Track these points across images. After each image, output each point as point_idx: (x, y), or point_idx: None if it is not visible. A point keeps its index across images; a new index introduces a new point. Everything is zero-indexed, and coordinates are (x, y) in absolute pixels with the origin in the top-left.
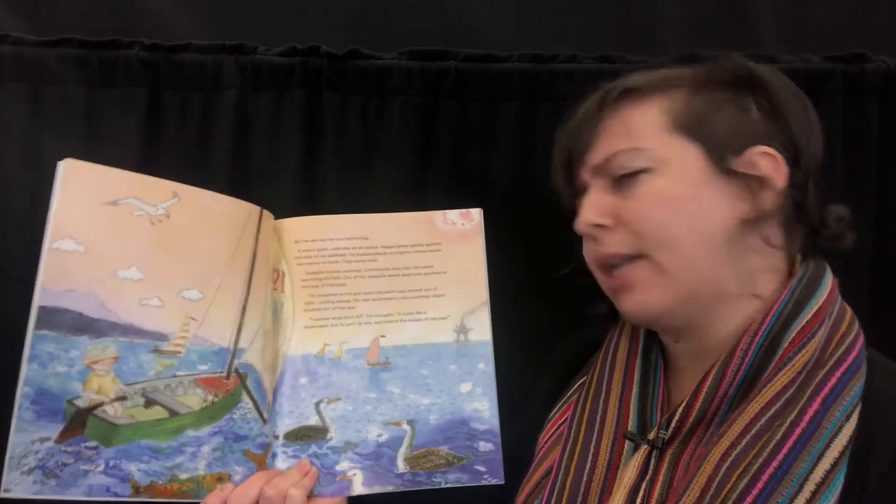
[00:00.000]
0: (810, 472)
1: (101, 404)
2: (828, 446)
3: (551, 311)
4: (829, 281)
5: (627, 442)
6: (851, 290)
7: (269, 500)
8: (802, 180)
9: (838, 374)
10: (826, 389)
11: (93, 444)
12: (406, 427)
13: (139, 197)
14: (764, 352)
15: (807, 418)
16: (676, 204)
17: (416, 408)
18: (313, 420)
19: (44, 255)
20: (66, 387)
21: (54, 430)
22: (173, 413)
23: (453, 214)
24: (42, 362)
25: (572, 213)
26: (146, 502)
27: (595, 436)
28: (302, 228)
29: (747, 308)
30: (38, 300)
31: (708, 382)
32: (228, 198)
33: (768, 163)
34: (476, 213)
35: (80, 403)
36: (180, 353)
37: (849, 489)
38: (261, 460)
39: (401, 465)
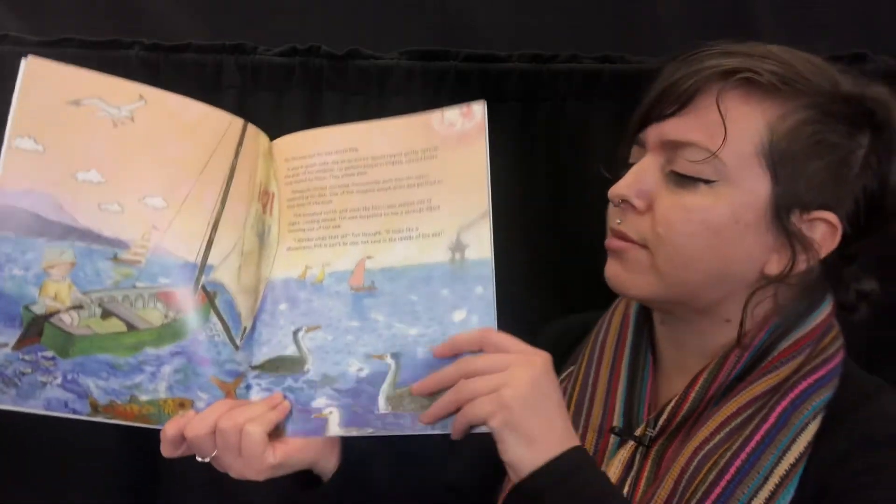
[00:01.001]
0: (775, 465)
1: (57, 312)
2: (794, 441)
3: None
4: (828, 306)
5: (612, 437)
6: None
7: (223, 434)
8: (853, 253)
9: (811, 379)
10: (796, 391)
11: (50, 353)
12: (390, 361)
13: (103, 97)
14: (754, 360)
15: (774, 415)
16: (716, 233)
17: (402, 339)
18: (290, 350)
19: (3, 154)
20: (22, 291)
21: (11, 335)
22: (131, 327)
23: (452, 113)
24: None
25: (619, 161)
26: (105, 423)
27: (580, 430)
28: (292, 146)
29: (724, 327)
30: None
31: (699, 384)
32: (204, 105)
33: (826, 230)
34: (479, 109)
35: (37, 310)
36: (140, 262)
37: (805, 479)
38: (230, 389)
39: (382, 405)
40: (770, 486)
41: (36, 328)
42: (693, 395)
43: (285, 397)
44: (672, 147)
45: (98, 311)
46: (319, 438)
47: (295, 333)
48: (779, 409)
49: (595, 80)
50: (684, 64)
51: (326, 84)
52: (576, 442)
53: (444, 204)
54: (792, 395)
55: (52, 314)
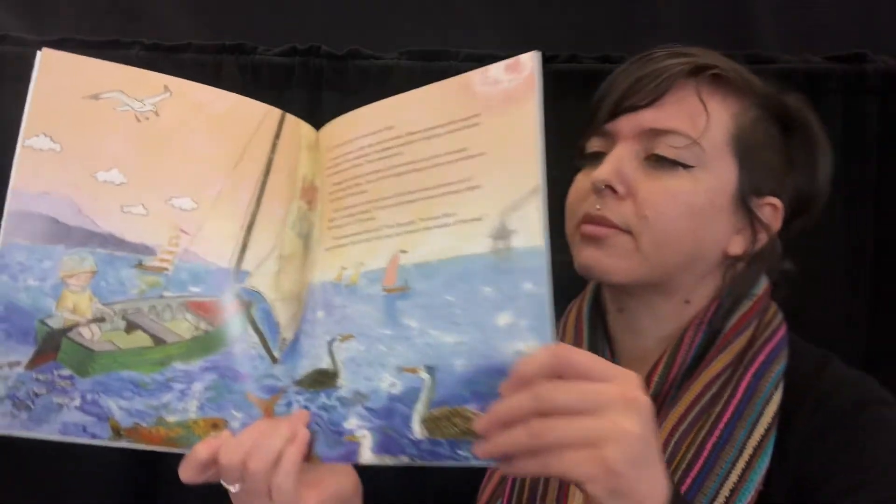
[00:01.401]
0: (748, 437)
1: (76, 325)
2: (762, 413)
3: None
4: (764, 281)
5: None
6: (852, 290)
7: (258, 456)
8: (787, 236)
9: (766, 351)
10: (756, 364)
11: (67, 372)
12: (424, 375)
13: (124, 90)
14: (709, 338)
15: (742, 389)
16: (695, 213)
17: (437, 349)
18: (325, 362)
19: (17, 155)
20: (38, 303)
21: (25, 353)
22: (158, 340)
23: (497, 69)
24: (12, 274)
25: (579, 150)
26: (129, 448)
27: None
28: (334, 133)
29: (683, 309)
30: (9, 204)
31: (660, 368)
32: (235, 96)
33: (771, 213)
34: (529, 60)
35: (54, 323)
36: (167, 269)
37: (775, 449)
38: (268, 406)
39: (416, 429)
40: (745, 457)
41: (52, 344)
42: (656, 379)
43: (317, 416)
44: (652, 135)
45: (121, 323)
46: (353, 476)
47: (329, 344)
48: (744, 383)
49: (595, 80)
50: (646, 63)
51: (326, 84)
52: (671, 486)
53: (487, 182)
54: (753, 369)
55: (70, 328)
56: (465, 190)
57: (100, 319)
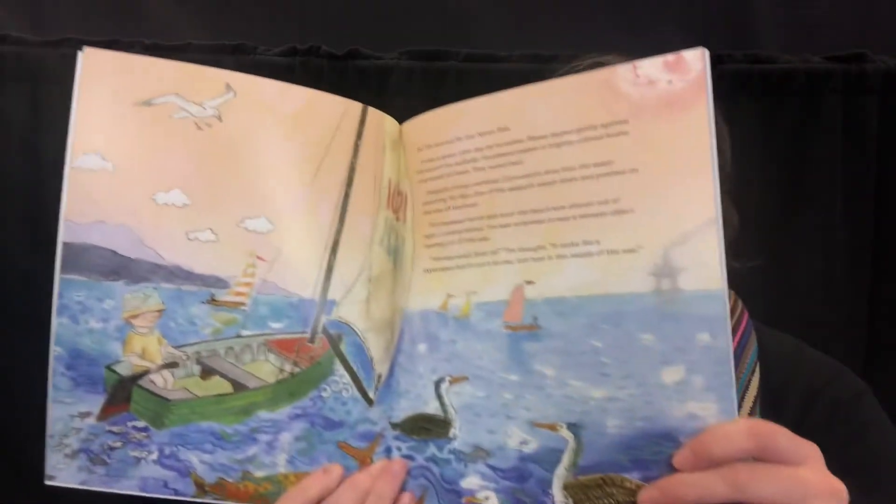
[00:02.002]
0: None
1: (146, 372)
2: (742, 399)
3: None
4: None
5: None
6: (852, 289)
7: None
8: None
9: (737, 338)
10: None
11: (142, 423)
12: (566, 434)
13: (180, 93)
14: None
15: None
16: None
17: (582, 403)
18: (432, 406)
19: (66, 179)
20: (104, 348)
21: (95, 403)
22: (239, 386)
23: (652, 66)
24: (73, 315)
25: None
26: None
27: None
28: (426, 129)
29: None
30: (62, 236)
31: None
32: (308, 90)
33: None
34: (696, 59)
35: (122, 370)
36: (244, 305)
37: None
38: (365, 456)
39: (558, 496)
40: None
41: (123, 393)
42: None
43: (425, 470)
44: None
45: (196, 368)
46: None
47: (437, 385)
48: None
49: None
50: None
51: (326, 84)
52: None
53: (641, 205)
54: None
55: (140, 375)
56: (612, 214)
57: (172, 365)
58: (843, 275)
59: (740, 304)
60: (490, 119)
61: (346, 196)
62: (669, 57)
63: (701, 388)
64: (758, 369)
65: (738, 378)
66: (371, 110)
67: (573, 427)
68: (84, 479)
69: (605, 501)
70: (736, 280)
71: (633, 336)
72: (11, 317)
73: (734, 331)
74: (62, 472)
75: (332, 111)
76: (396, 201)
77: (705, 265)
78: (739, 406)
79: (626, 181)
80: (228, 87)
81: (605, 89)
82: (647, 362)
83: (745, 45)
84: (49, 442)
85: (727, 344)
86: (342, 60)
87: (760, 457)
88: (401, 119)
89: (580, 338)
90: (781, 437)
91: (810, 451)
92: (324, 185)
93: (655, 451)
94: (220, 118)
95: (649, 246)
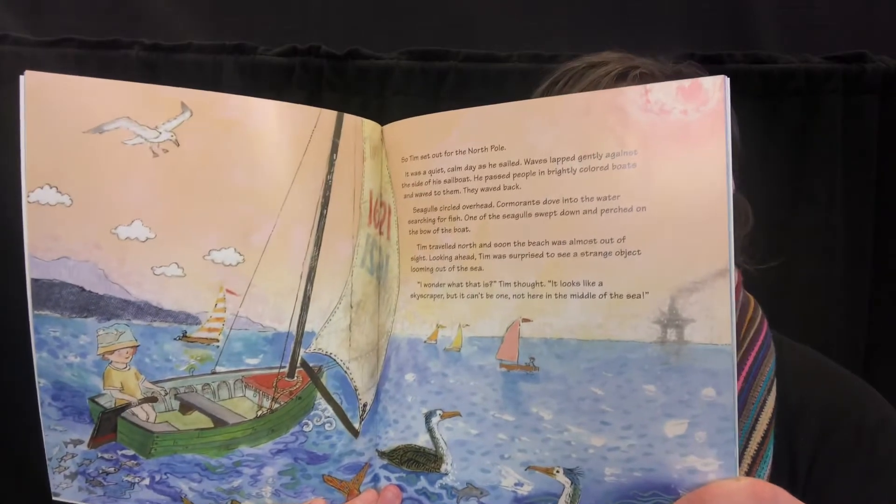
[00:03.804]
0: (745, 446)
1: (128, 405)
2: (757, 420)
3: None
4: (735, 272)
5: None
6: (852, 288)
7: None
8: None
9: (754, 353)
10: (746, 368)
11: (130, 452)
12: (563, 480)
13: (132, 116)
14: None
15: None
16: None
17: (580, 450)
18: (422, 439)
19: (24, 213)
20: (84, 381)
21: (84, 431)
22: (219, 422)
23: (665, 92)
24: (51, 350)
25: None
26: None
27: None
28: (410, 138)
29: None
30: (30, 272)
31: None
32: (274, 103)
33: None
34: (715, 88)
35: (105, 403)
36: (216, 340)
37: (779, 457)
38: (351, 488)
39: None
40: (743, 467)
41: (109, 424)
42: None
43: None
44: None
45: (175, 403)
46: None
47: (428, 418)
48: (737, 388)
49: None
50: (571, 79)
51: (326, 84)
52: None
53: (650, 247)
54: (744, 372)
55: (122, 408)
56: (616, 254)
57: (151, 399)
58: (843, 275)
59: (760, 312)
60: (483, 134)
61: (322, 218)
62: (686, 83)
63: (703, 442)
64: (775, 387)
65: (754, 397)
66: (347, 117)
67: (570, 473)
68: (86, 498)
69: None
70: (750, 283)
71: (635, 386)
72: (14, 331)
73: (752, 343)
74: (66, 490)
75: (302, 124)
76: (379, 214)
77: (715, 318)
78: (755, 424)
79: (633, 219)
80: (184, 107)
81: (612, 113)
82: (649, 414)
83: (745, 45)
84: (49, 464)
85: (732, 400)
86: (342, 60)
87: None
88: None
89: (580, 383)
90: (782, 500)
91: None
92: (297, 209)
93: (653, 502)
94: (176, 142)
95: (656, 292)
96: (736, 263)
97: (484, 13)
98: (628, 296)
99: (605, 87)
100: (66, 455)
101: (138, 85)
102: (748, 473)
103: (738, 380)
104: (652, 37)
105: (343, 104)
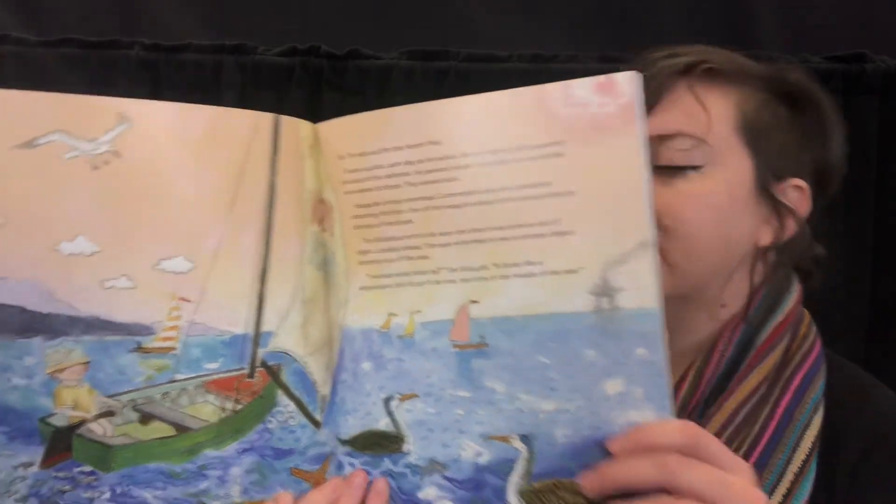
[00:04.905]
0: (788, 462)
1: (83, 422)
2: (801, 437)
3: None
4: (796, 287)
5: None
6: (852, 289)
7: None
8: (817, 217)
9: (804, 370)
10: (795, 384)
11: (88, 468)
12: (519, 445)
13: (66, 129)
14: (738, 353)
15: (780, 412)
16: (717, 212)
17: (532, 416)
18: (383, 423)
19: None
20: (33, 403)
21: (34, 453)
22: (182, 429)
23: (584, 88)
24: None
25: None
26: None
27: None
28: (346, 137)
29: (719, 313)
30: None
31: (687, 382)
32: (212, 108)
33: (798, 195)
34: (627, 83)
35: (57, 422)
36: (174, 349)
37: (819, 478)
38: (318, 478)
39: (513, 502)
40: (786, 482)
41: (63, 443)
42: (683, 392)
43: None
44: (656, 142)
45: (134, 415)
46: None
47: (386, 402)
48: (783, 404)
49: None
50: (647, 64)
51: (326, 84)
52: None
53: (581, 227)
54: (792, 389)
55: (77, 425)
56: (553, 235)
57: (108, 414)
58: (843, 275)
59: (814, 330)
60: (416, 130)
61: (270, 219)
62: (601, 79)
63: (640, 398)
64: (822, 408)
65: (800, 414)
66: (285, 119)
67: (525, 438)
68: None
69: None
70: (811, 301)
71: (577, 352)
72: None
73: (803, 361)
74: None
75: (241, 128)
76: (320, 211)
77: (642, 285)
78: (798, 442)
79: (564, 203)
80: (122, 117)
81: (540, 107)
82: (591, 376)
83: (745, 45)
84: None
85: (663, 357)
86: (342, 60)
87: (691, 454)
88: None
89: (528, 355)
90: (713, 442)
91: (741, 465)
92: (244, 212)
93: (601, 456)
94: (117, 153)
95: (589, 267)
96: (798, 281)
97: (484, 13)
98: (565, 272)
99: (665, 78)
100: (15, 479)
101: (71, 96)
102: (790, 490)
103: (784, 399)
104: (652, 37)
105: (343, 104)
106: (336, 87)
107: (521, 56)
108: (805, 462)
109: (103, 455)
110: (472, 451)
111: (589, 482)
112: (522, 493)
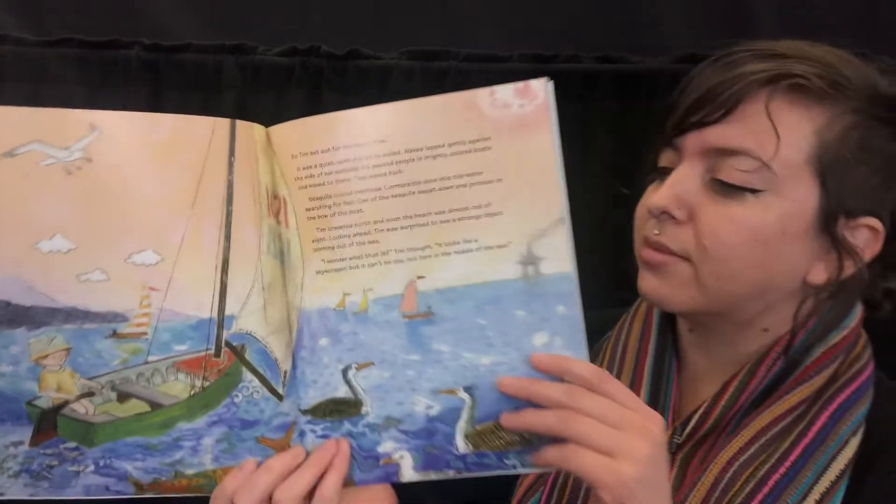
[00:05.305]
0: (815, 482)
1: (66, 403)
2: (833, 458)
3: None
4: (858, 310)
5: None
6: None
7: (286, 492)
8: (891, 260)
9: (848, 392)
10: (835, 405)
11: (72, 444)
12: (463, 396)
13: (42, 139)
14: (787, 369)
15: (813, 431)
16: (762, 242)
17: (474, 370)
18: (342, 391)
19: None
20: (19, 388)
21: (23, 433)
22: (156, 405)
23: (506, 92)
24: None
25: (651, 163)
26: (155, 498)
27: None
28: (297, 138)
29: (761, 336)
30: None
31: (729, 392)
32: (173, 116)
33: (869, 235)
34: (540, 87)
35: (42, 404)
36: (145, 334)
37: (850, 494)
38: (282, 445)
39: (461, 444)
40: (815, 496)
41: (48, 423)
42: (723, 402)
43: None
44: (717, 155)
45: (112, 395)
46: (387, 489)
47: (344, 373)
48: (818, 423)
49: (595, 80)
50: (723, 68)
51: (326, 84)
52: None
53: (508, 208)
54: (831, 409)
55: (61, 406)
56: (485, 216)
57: (89, 394)
58: None
59: (867, 353)
60: (365, 130)
61: (229, 214)
62: (519, 84)
63: (561, 347)
64: (863, 429)
65: (836, 434)
66: (240, 123)
67: (468, 389)
68: (32, 493)
69: (498, 442)
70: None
71: (509, 313)
72: None
73: (849, 382)
74: (10, 489)
75: (200, 133)
76: (275, 206)
77: (559, 254)
78: (830, 462)
79: (494, 189)
80: (92, 126)
81: (471, 109)
82: (521, 331)
83: None
84: None
85: (578, 312)
86: (342, 60)
87: (597, 391)
88: None
89: (468, 318)
90: (617, 383)
91: (646, 409)
92: (205, 208)
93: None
94: (89, 160)
95: (517, 241)
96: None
97: (484, 13)
98: (497, 246)
99: (745, 87)
100: (7, 457)
101: (47, 110)
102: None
103: (822, 416)
104: (652, 37)
105: (343, 104)
106: (336, 87)
107: (521, 56)
108: (834, 483)
109: (86, 432)
110: (423, 406)
111: (508, 420)
112: (468, 436)
